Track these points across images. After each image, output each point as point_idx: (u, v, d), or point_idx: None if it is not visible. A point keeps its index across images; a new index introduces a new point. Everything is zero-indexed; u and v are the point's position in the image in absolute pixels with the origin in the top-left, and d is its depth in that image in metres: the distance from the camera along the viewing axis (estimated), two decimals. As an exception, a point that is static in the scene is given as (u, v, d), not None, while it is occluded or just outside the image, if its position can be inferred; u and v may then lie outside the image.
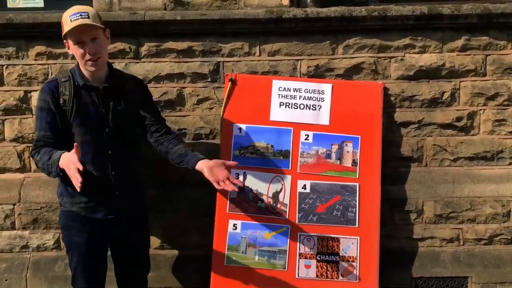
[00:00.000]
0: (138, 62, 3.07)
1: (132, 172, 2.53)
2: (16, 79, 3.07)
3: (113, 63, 3.03)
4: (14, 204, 3.08)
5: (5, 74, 3.07)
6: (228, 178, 2.39)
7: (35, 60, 3.06)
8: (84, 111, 2.38)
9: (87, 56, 2.31)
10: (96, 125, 2.39)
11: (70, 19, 2.27)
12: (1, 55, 3.06)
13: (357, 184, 2.90)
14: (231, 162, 2.50)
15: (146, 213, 2.68)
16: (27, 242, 3.09)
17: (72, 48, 2.34)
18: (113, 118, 2.42)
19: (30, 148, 2.40)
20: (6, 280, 3.05)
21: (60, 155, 2.20)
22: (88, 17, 2.28)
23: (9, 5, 3.28)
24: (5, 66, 3.07)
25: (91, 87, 2.40)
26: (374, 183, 2.90)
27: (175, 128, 3.07)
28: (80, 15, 2.27)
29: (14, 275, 3.06)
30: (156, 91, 3.07)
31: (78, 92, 2.38)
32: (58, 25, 2.43)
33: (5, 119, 3.10)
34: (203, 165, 2.42)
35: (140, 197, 2.60)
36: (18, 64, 3.06)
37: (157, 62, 3.06)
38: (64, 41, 2.37)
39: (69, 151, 2.19)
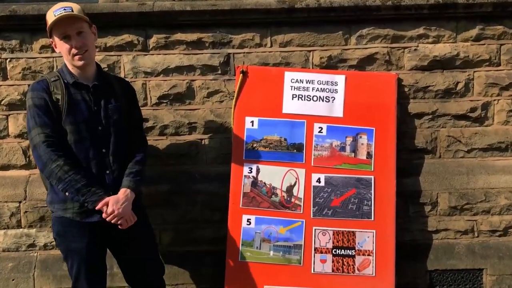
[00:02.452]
0: (146, 55, 2.99)
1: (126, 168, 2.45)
2: (20, 73, 2.98)
3: (120, 55, 2.99)
4: (19, 202, 3.00)
5: (8, 68, 2.98)
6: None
7: (40, 53, 2.97)
8: (76, 109, 2.30)
9: (74, 50, 2.26)
10: (89, 123, 2.32)
11: (54, 14, 2.23)
12: (4, 48, 2.97)
13: (372, 177, 2.85)
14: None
15: (144, 209, 2.59)
16: (34, 241, 3.01)
17: (58, 44, 2.29)
18: (105, 116, 2.36)
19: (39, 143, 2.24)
20: (13, 280, 2.97)
21: (104, 195, 2.25)
22: (72, 11, 2.25)
23: (18, -3, 3.20)
24: (9, 59, 2.98)
25: (81, 85, 2.33)
26: (389, 175, 2.86)
27: (185, 122, 3.01)
28: (64, 9, 2.23)
29: (21, 274, 2.98)
30: (165, 84, 2.99)
31: (69, 90, 2.31)
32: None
33: (9, 115, 3.01)
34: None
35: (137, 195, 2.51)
36: (22, 58, 2.97)
37: (166, 54, 2.98)
38: (51, 40, 2.33)
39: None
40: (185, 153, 3.03)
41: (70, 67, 2.34)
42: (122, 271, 2.55)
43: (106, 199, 2.27)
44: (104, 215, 2.27)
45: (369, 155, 2.87)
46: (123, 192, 2.33)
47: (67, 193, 2.25)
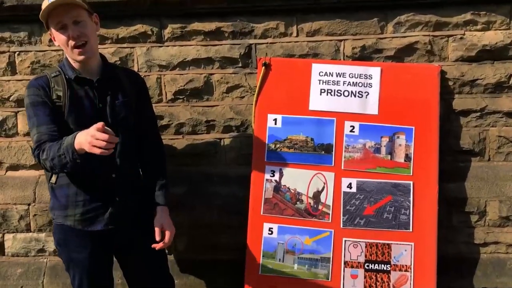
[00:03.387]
0: (161, 46, 2.76)
1: (135, 171, 2.26)
2: (28, 67, 2.80)
3: (133, 47, 2.78)
4: (29, 204, 2.83)
5: (17, 61, 2.81)
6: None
7: (49, 45, 2.78)
8: (79, 106, 2.08)
9: (71, 42, 2.02)
10: (93, 122, 2.08)
11: (48, 1, 2.00)
12: (13, 41, 2.80)
13: (411, 182, 2.54)
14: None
15: (152, 215, 2.35)
16: (43, 246, 2.85)
17: (56, 36, 2.07)
18: (111, 113, 2.13)
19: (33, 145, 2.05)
20: (21, 287, 2.81)
21: (75, 136, 1.87)
22: None
23: (25, -13, 3.04)
24: (17, 53, 2.81)
25: (85, 80, 2.11)
26: (430, 181, 2.53)
27: (202, 120, 2.77)
28: None
29: (30, 281, 2.82)
30: (181, 79, 2.76)
31: (71, 86, 2.09)
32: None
33: (18, 111, 2.85)
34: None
35: (144, 197, 2.30)
36: (31, 51, 2.80)
37: (182, 46, 2.75)
38: (49, 33, 2.11)
39: None
40: (203, 153, 2.80)
41: (71, 60, 2.13)
42: (127, 283, 2.33)
43: (161, 227, 2.20)
44: (161, 245, 2.19)
45: (407, 157, 2.55)
46: (166, 211, 2.26)
47: (65, 170, 1.98)
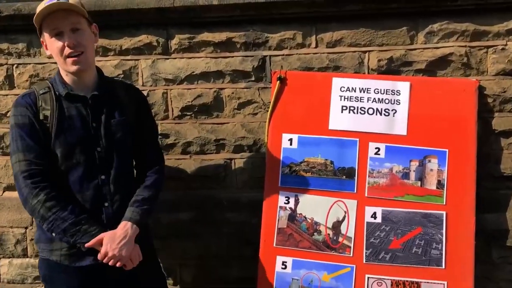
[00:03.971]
0: (167, 59, 2.54)
1: (130, 198, 2.00)
2: (27, 80, 2.62)
3: (138, 60, 2.57)
4: (26, 228, 2.66)
5: (15, 74, 2.64)
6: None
7: (49, 57, 2.58)
8: (69, 127, 1.89)
9: (67, 50, 1.84)
10: (85, 144, 1.89)
11: (44, 4, 1.82)
12: (11, 52, 2.63)
13: (444, 212, 2.25)
14: None
15: (151, 243, 2.17)
16: (40, 272, 2.65)
17: (49, 43, 1.88)
18: (106, 134, 1.92)
19: (17, 173, 1.86)
20: (16, 317, 2.63)
21: (100, 233, 1.83)
22: (67, 1, 1.83)
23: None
24: (15, 65, 2.63)
25: (77, 97, 1.92)
26: (466, 211, 2.25)
27: (211, 138, 2.54)
28: None
29: (26, 311, 2.63)
30: (189, 94, 2.54)
31: (61, 104, 1.90)
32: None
33: (16, 128, 2.66)
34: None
35: (143, 225, 2.05)
36: (30, 63, 2.62)
37: (190, 58, 2.53)
38: (41, 39, 1.93)
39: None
40: (212, 175, 2.57)
41: (63, 73, 1.94)
42: None
43: (100, 236, 1.84)
44: (99, 256, 1.84)
45: (440, 184, 2.26)
46: (123, 227, 1.89)
47: (53, 234, 1.84)
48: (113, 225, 1.91)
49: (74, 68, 1.86)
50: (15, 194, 2.68)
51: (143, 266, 1.97)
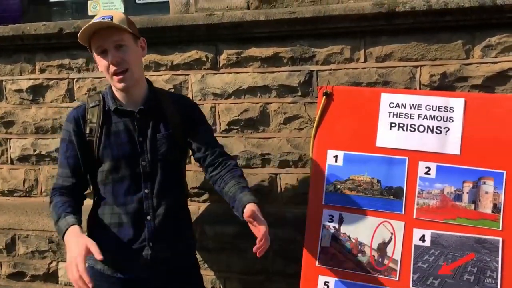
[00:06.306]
0: (216, 74, 2.58)
1: (176, 212, 2.03)
2: (86, 93, 2.78)
3: (188, 74, 2.63)
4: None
5: (75, 88, 2.79)
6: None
7: (104, 72, 2.72)
8: (115, 141, 1.94)
9: (111, 68, 1.87)
10: (130, 158, 1.93)
11: (89, 23, 1.87)
12: (72, 67, 2.79)
13: (500, 238, 2.09)
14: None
15: (198, 268, 2.18)
16: None
17: (98, 61, 1.94)
18: (151, 148, 1.95)
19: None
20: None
21: (68, 228, 1.78)
22: (111, 21, 1.85)
23: (89, 13, 3.08)
24: (75, 79, 2.78)
25: (124, 112, 1.96)
26: (525, 237, 2.07)
27: (257, 153, 2.53)
28: (102, 18, 1.85)
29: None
30: (236, 108, 2.56)
31: (109, 118, 1.96)
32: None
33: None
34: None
35: (187, 240, 2.09)
36: (88, 78, 2.77)
37: (237, 73, 2.55)
38: (94, 57, 1.98)
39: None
40: (257, 190, 2.56)
41: (114, 88, 1.99)
42: None
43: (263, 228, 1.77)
44: (254, 249, 1.76)
45: (496, 208, 2.11)
46: (258, 210, 1.81)
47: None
48: (155, 239, 1.94)
49: (120, 85, 1.91)
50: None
51: (186, 281, 2.00)
